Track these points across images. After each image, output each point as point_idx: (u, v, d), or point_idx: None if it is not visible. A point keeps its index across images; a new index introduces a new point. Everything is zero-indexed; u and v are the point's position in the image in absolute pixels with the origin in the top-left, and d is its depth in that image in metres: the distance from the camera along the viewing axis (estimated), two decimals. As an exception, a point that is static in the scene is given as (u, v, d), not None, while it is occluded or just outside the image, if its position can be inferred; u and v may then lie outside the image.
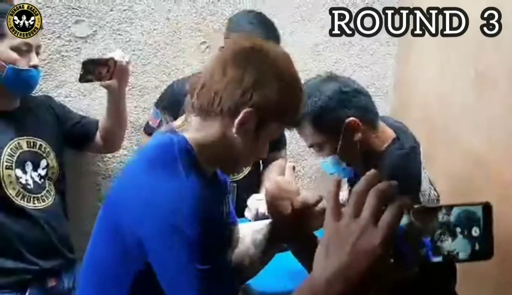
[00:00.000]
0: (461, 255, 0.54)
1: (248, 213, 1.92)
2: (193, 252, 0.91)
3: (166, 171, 0.96)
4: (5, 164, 1.61)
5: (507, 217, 1.65)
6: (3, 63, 1.55)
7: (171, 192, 0.93)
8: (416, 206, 0.56)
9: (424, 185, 1.37)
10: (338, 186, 0.59)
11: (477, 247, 0.53)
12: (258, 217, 1.85)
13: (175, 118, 1.27)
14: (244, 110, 0.99)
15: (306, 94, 1.32)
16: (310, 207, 1.11)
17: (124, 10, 2.09)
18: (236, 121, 0.99)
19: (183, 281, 0.92)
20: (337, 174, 1.47)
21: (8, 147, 1.64)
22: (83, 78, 1.67)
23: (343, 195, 1.81)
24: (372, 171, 0.57)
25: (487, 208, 0.53)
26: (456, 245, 0.54)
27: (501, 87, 1.81)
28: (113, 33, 2.09)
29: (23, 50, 1.58)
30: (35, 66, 1.62)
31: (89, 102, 2.09)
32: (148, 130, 1.99)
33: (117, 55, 1.74)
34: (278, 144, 2.08)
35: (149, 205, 0.93)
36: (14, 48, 1.56)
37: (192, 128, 1.04)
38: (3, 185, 1.60)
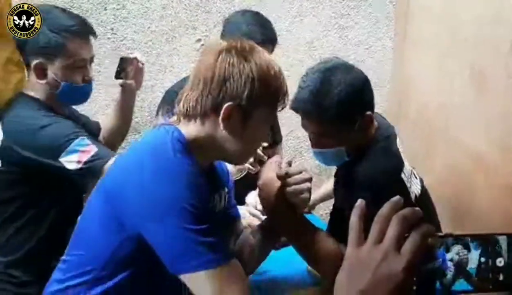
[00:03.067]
0: (485, 285, 0.53)
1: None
2: (187, 220, 0.93)
3: (157, 157, 0.99)
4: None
5: (508, 214, 1.66)
6: (58, 80, 1.53)
7: (163, 172, 0.96)
8: (440, 234, 0.54)
9: (406, 166, 1.38)
10: (362, 213, 0.57)
11: (501, 277, 0.53)
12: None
13: None
14: (225, 105, 1.01)
15: (317, 80, 1.30)
16: (291, 177, 1.12)
17: (118, 9, 2.08)
18: (220, 118, 1.02)
19: (178, 249, 0.93)
20: (336, 165, 1.47)
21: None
22: (118, 75, 1.72)
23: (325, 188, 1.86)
24: (397, 197, 0.56)
25: None
26: (480, 274, 0.53)
27: (499, 86, 1.81)
28: (107, 32, 2.07)
29: (78, 67, 1.55)
30: (89, 80, 1.59)
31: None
32: None
33: (138, 56, 1.76)
34: (274, 141, 2.06)
35: (143, 191, 0.95)
36: (69, 66, 1.54)
37: (184, 127, 1.07)
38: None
